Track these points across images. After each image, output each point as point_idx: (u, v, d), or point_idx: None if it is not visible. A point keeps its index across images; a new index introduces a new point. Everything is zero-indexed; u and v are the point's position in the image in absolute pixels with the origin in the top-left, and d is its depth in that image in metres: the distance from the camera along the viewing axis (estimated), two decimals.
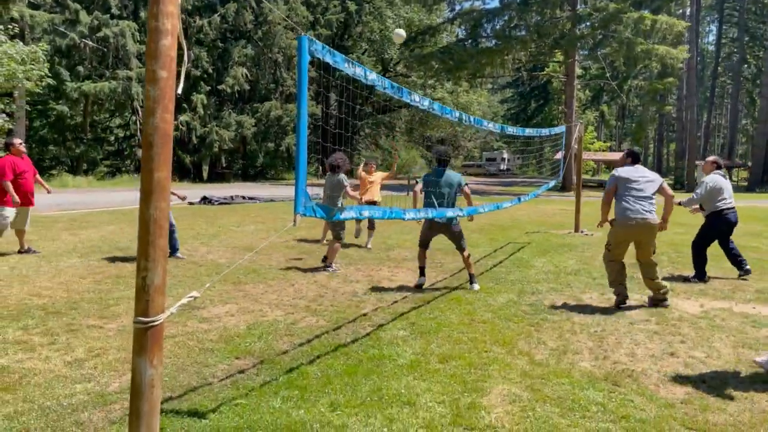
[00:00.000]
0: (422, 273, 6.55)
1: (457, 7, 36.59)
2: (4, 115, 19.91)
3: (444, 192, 6.15)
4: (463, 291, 6.26)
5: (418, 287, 6.39)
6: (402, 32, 6.41)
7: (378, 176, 9.75)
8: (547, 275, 7.24)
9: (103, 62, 31.08)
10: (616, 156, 36.66)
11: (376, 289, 6.35)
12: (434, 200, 6.10)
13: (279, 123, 35.51)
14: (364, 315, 5.22)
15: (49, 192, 8.74)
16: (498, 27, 33.25)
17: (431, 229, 6.38)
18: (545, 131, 9.58)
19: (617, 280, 5.74)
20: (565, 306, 5.71)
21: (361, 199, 8.98)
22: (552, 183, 11.33)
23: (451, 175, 6.28)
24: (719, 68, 54.76)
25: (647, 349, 4.37)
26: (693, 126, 40.33)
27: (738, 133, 56.53)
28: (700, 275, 7.09)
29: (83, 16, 28.19)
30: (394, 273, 7.33)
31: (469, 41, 34.68)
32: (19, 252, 7.83)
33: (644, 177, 5.69)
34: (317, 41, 2.99)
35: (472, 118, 5.62)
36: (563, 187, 29.52)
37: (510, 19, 32.54)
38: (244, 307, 5.40)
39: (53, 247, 8.44)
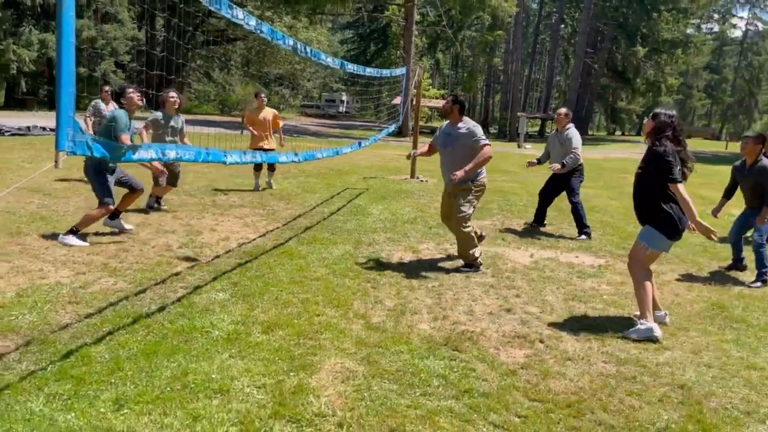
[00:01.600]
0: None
1: None
2: None
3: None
4: (296, 243, 5.69)
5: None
6: None
7: (270, 114, 8.82)
8: (384, 224, 6.92)
9: None
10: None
11: (195, 241, 5.52)
12: None
13: (93, 45, 31.26)
14: (177, 274, 4.43)
15: None
16: None
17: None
18: (386, 72, 9.13)
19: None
20: (402, 259, 5.40)
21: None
22: (392, 127, 11.04)
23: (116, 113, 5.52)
24: (540, 26, 58.69)
25: (485, 306, 4.17)
26: (517, 79, 43.03)
27: (552, 88, 61.57)
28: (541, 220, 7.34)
29: None
30: (218, 221, 6.52)
31: None
32: None
33: None
34: None
35: (308, 49, 4.91)
36: (400, 132, 29.90)
37: None
38: (19, 266, 4.31)
39: None
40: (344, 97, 62.11)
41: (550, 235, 6.91)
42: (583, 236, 6.83)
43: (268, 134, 8.72)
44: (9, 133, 14.27)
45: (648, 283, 3.79)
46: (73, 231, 5.11)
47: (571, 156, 6.83)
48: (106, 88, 8.66)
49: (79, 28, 30.04)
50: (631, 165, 18.36)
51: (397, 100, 33.75)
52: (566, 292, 4.65)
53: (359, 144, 7.61)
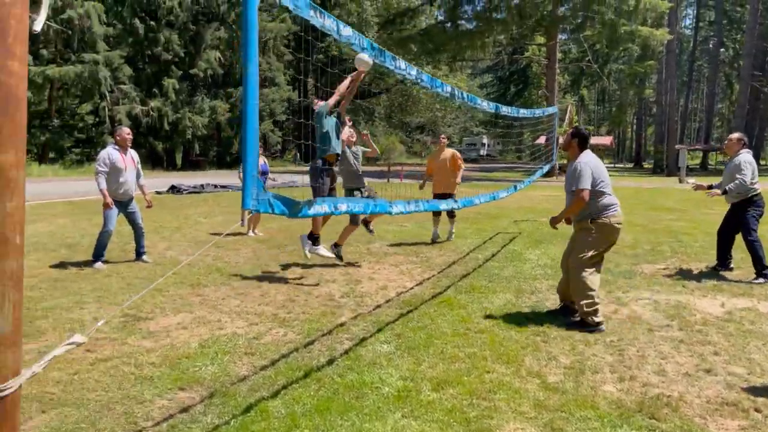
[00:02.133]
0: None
1: None
2: None
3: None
4: (454, 292, 5.52)
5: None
6: (366, 57, 4.88)
7: (449, 154, 8.33)
8: (545, 270, 6.53)
9: (68, 45, 29.64)
10: (601, 140, 36.31)
11: (355, 291, 5.58)
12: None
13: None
14: (342, 325, 4.45)
15: None
16: (479, 9, 32.43)
17: None
18: (538, 111, 8.86)
19: (597, 293, 4.56)
20: (566, 309, 5.00)
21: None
22: (546, 167, 10.63)
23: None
24: (696, 52, 54.57)
25: (678, 365, 3.67)
26: (672, 110, 40.07)
27: (713, 116, 56.52)
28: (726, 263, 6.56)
29: None
30: (375, 270, 6.56)
31: (449, 23, 33.79)
32: None
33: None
34: None
35: (465, 94, 4.85)
36: (548, 172, 29.01)
37: (490, 0, 31.72)
38: (200, 317, 4.59)
39: None
40: (485, 140, 61.98)
41: (739, 281, 6.07)
42: (761, 279, 5.96)
43: (448, 179, 8.22)
44: (186, 192, 15.88)
45: None
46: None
47: (736, 182, 6.06)
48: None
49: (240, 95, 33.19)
50: None
51: (541, 140, 32.89)
52: None
53: (515, 187, 7.36)
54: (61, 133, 31.26)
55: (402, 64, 3.55)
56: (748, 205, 6.21)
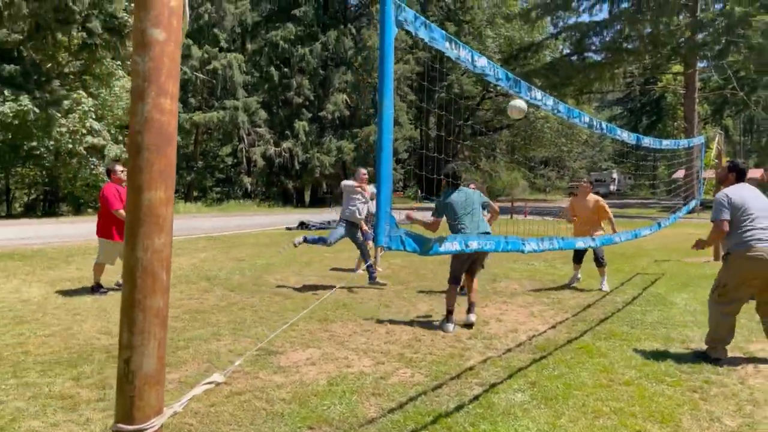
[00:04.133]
0: (450, 316, 5.50)
1: (561, 23, 34.86)
2: (122, 146, 20.97)
3: (476, 211, 5.46)
4: (592, 338, 5.10)
5: (444, 328, 5.40)
6: (520, 104, 4.72)
7: (592, 201, 7.54)
8: (695, 317, 5.88)
9: (213, 93, 32.50)
10: (750, 174, 33.10)
11: (483, 332, 5.34)
12: (468, 224, 5.34)
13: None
14: (471, 369, 4.23)
15: None
16: (607, 39, 31.22)
17: (470, 257, 5.55)
18: (683, 142, 8.17)
19: (726, 338, 4.46)
20: (731, 361, 4.42)
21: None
22: (693, 203, 9.76)
23: (470, 192, 5.59)
24: None
25: None
26: None
27: None
28: None
29: (194, 50, 29.50)
30: (503, 311, 6.27)
31: (575, 56, 32.84)
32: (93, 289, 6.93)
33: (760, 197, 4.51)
34: (408, 9, 2.14)
35: (603, 124, 4.55)
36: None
37: (620, 30, 30.43)
38: (328, 354, 4.59)
39: None
40: (615, 175, 59.01)
41: None
42: None
43: (590, 226, 7.38)
44: (315, 228, 16.48)
45: None
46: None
47: None
48: (363, 171, 8.25)
49: (368, 133, 34.32)
50: None
51: (680, 174, 30.55)
52: None
53: (659, 225, 6.77)
54: (204, 174, 34.08)
55: (538, 94, 3.38)
56: None
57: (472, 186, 8.28)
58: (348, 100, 34.88)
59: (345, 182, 7.90)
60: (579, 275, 7.87)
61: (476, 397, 3.64)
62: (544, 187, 58.45)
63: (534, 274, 8.79)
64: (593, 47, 32.12)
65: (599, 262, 7.40)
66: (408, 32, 2.31)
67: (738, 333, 5.21)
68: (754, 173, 33.81)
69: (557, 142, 51.77)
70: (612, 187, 57.16)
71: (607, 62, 30.41)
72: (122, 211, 7.01)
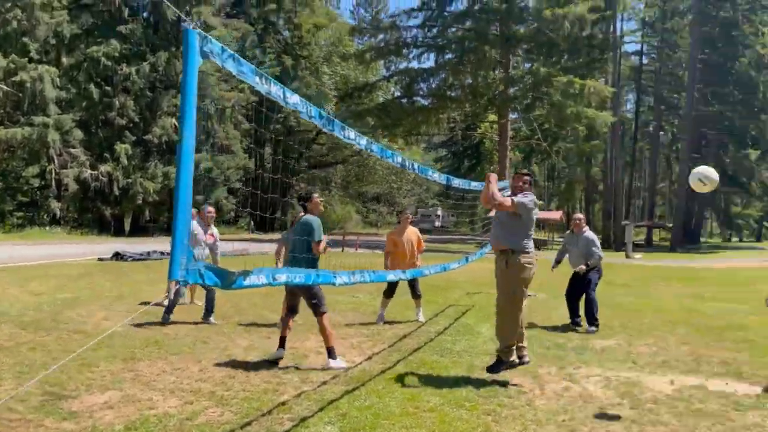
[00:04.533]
0: (282, 344, 5.49)
1: (393, 67, 36.91)
2: None
3: (296, 240, 5.22)
4: (404, 367, 5.33)
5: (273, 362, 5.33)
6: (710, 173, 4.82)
7: (414, 235, 7.78)
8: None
9: (18, 108, 29.10)
10: (551, 215, 37.44)
11: (301, 366, 5.32)
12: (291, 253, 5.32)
13: (209, 175, 34.10)
14: (284, 404, 4.18)
15: None
16: (434, 86, 33.67)
17: (291, 291, 5.45)
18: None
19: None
20: (521, 386, 4.87)
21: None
22: None
23: (309, 219, 5.29)
24: (638, 134, 57.65)
25: None
26: (619, 188, 41.84)
27: (656, 195, 59.13)
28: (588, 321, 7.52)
29: None
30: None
31: (405, 99, 34.88)
32: None
33: None
34: (215, 41, 2.13)
35: (416, 165, 4.87)
36: None
37: (445, 79, 33.03)
38: (130, 396, 4.25)
39: None
40: (439, 212, 62.94)
41: (687, 356, 6.09)
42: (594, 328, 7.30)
43: (408, 259, 7.53)
44: (131, 259, 15.31)
45: None
46: (330, 351, 5.26)
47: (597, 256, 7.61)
48: (210, 209, 8.32)
49: (198, 160, 32.89)
50: (759, 275, 16.69)
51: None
52: (725, 429, 3.92)
53: (466, 259, 7.34)
54: (3, 195, 30.15)
55: (351, 133, 3.53)
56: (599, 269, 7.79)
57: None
58: (177, 125, 33.33)
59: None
60: (420, 313, 7.85)
61: None
62: (376, 221, 60.54)
63: (358, 307, 8.99)
64: (421, 92, 34.39)
65: (416, 293, 7.77)
66: (216, 64, 2.29)
67: (530, 360, 5.79)
68: (554, 215, 38.17)
69: (388, 179, 54.13)
70: (437, 223, 60.94)
71: (434, 107, 32.72)
72: None
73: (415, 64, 47.94)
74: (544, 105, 30.38)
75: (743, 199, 52.53)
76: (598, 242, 7.73)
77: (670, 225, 44.96)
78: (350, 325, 7.43)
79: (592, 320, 7.43)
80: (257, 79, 2.54)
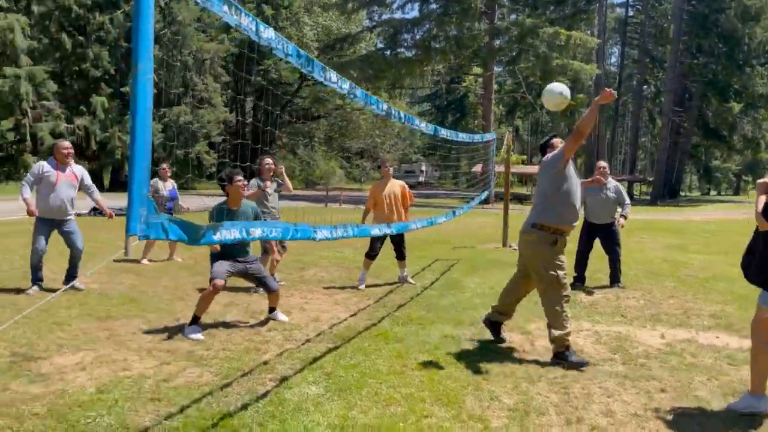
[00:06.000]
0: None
1: (375, 17, 35.91)
2: None
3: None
4: (390, 323, 5.18)
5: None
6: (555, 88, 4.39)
7: (398, 187, 7.11)
8: (484, 299, 6.29)
9: None
10: (532, 168, 37.34)
11: (284, 323, 5.14)
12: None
13: (189, 129, 33.30)
14: (266, 363, 4.01)
15: None
16: (418, 37, 32.88)
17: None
18: (477, 137, 8.77)
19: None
20: (511, 342, 4.76)
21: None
22: (484, 195, 10.57)
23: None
24: (621, 88, 57.31)
25: (625, 404, 3.45)
26: (600, 142, 41.78)
27: (638, 149, 59.30)
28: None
29: None
30: (307, 300, 6.15)
31: (389, 51, 34.09)
32: None
33: None
34: None
35: (402, 113, 4.60)
36: (485, 200, 29.38)
37: (429, 30, 32.23)
38: (104, 355, 4.05)
39: None
40: (423, 167, 62.61)
41: (676, 309, 6.03)
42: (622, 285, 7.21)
43: (395, 213, 6.91)
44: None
45: None
46: (195, 319, 4.73)
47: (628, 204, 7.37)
48: (164, 165, 8.54)
49: (177, 114, 32.13)
50: (740, 227, 16.78)
51: (478, 168, 33.41)
52: (720, 384, 3.84)
53: (453, 213, 7.14)
54: None
55: (333, 76, 3.24)
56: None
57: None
58: (156, 78, 32.26)
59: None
60: (404, 275, 7.27)
61: (266, 393, 3.44)
62: (360, 176, 60.09)
63: (343, 261, 8.83)
64: (405, 44, 33.60)
65: (400, 253, 7.11)
66: None
67: (518, 314, 5.67)
68: (533, 169, 38.18)
69: (372, 134, 53.43)
70: (421, 178, 60.68)
71: (418, 59, 32.01)
72: None
73: (398, 15, 46.90)
74: (530, 57, 29.87)
75: (723, 153, 52.85)
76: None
77: (651, 179, 45.26)
78: (335, 280, 7.26)
79: (619, 277, 7.33)
80: (225, 8, 2.25)
